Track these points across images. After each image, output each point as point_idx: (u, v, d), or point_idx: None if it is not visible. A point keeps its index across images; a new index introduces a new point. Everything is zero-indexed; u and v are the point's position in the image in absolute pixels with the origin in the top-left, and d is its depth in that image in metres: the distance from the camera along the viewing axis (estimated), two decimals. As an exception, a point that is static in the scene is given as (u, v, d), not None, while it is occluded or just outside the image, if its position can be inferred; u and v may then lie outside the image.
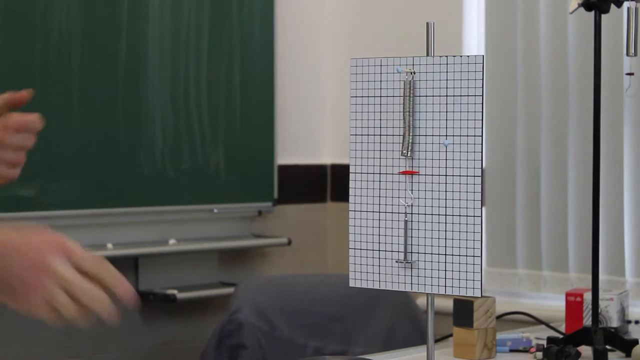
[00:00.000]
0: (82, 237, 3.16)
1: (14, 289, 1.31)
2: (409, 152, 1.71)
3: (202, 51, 3.42)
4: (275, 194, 3.65)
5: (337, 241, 3.79)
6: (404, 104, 1.72)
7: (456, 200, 1.68)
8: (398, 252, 1.73)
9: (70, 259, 1.32)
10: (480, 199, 1.68)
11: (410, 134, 1.71)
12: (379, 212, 1.75)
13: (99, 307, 1.31)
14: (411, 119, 1.71)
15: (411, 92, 1.72)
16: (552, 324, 2.44)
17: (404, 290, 1.73)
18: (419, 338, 2.77)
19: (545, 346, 2.13)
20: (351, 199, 1.80)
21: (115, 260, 3.46)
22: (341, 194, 3.74)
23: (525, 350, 2.21)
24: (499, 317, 2.28)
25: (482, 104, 1.69)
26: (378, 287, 1.79)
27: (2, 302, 1.33)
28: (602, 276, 3.06)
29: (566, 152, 3.32)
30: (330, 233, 3.88)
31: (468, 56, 1.71)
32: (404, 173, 1.72)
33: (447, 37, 3.38)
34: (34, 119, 1.76)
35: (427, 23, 1.75)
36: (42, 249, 1.32)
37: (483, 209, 3.09)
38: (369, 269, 1.79)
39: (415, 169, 1.71)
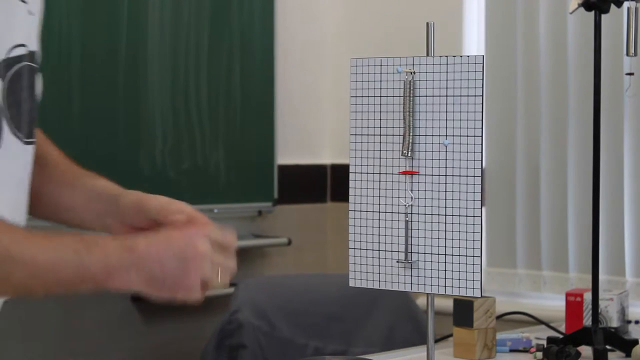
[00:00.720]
0: (82, 237, 3.17)
1: (167, 281, 1.42)
2: (409, 152, 1.71)
3: (202, 51, 3.42)
4: (275, 194, 3.65)
5: (337, 241, 3.79)
6: (404, 104, 1.72)
7: (456, 200, 1.68)
8: (398, 252, 1.73)
9: (209, 236, 1.49)
10: (480, 199, 1.68)
11: (410, 134, 1.71)
12: (379, 212, 1.75)
13: (231, 275, 1.53)
14: (411, 119, 1.71)
15: (411, 92, 1.72)
16: (552, 324, 2.44)
17: (404, 290, 1.72)
18: (419, 338, 2.76)
19: (545, 346, 2.13)
20: (351, 199, 1.80)
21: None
22: (341, 194, 3.74)
23: (525, 350, 2.21)
24: (499, 317, 2.28)
25: (482, 104, 1.69)
26: (378, 287, 1.79)
27: (148, 294, 1.44)
28: (602, 276, 3.06)
29: (566, 152, 3.32)
30: (330, 233, 3.88)
31: (468, 56, 1.71)
32: (404, 173, 1.72)
33: (447, 37, 3.38)
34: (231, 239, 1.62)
35: (427, 23, 1.75)
36: (186, 236, 1.46)
37: (483, 209, 3.09)
38: (369, 269, 1.79)
39: (415, 169, 1.71)
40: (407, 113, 1.71)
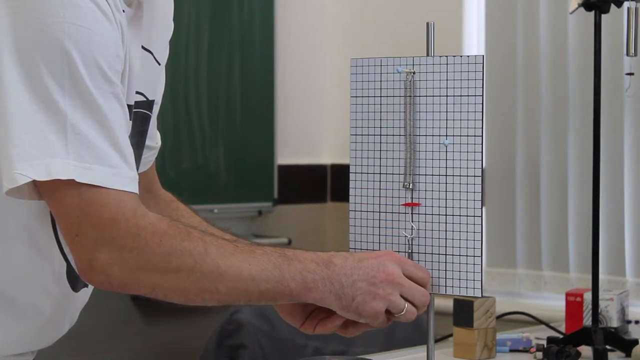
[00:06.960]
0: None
1: (356, 300, 1.50)
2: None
3: (202, 51, 3.42)
4: (275, 194, 3.65)
5: (337, 241, 3.79)
6: (404, 104, 1.72)
7: (456, 200, 1.68)
8: (398, 252, 1.73)
9: (402, 265, 1.55)
10: (480, 199, 1.67)
11: (411, 133, 1.71)
12: (379, 212, 1.75)
13: (423, 308, 1.56)
14: (411, 119, 1.71)
15: (411, 92, 1.72)
16: (552, 324, 2.44)
17: (404, 290, 1.72)
18: (419, 338, 2.76)
19: (545, 346, 2.13)
20: (351, 199, 1.79)
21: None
22: (341, 194, 3.74)
23: (525, 350, 2.21)
24: (499, 317, 2.27)
25: (482, 104, 1.68)
26: (378, 287, 1.78)
27: (337, 310, 1.51)
28: (602, 276, 3.06)
29: (566, 152, 3.32)
30: (330, 233, 3.88)
31: (468, 56, 1.70)
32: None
33: (447, 37, 3.38)
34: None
35: (427, 23, 1.75)
36: (380, 260, 1.54)
37: (483, 209, 3.09)
38: (369, 269, 1.79)
39: (414, 169, 1.71)
40: (407, 113, 1.71)
